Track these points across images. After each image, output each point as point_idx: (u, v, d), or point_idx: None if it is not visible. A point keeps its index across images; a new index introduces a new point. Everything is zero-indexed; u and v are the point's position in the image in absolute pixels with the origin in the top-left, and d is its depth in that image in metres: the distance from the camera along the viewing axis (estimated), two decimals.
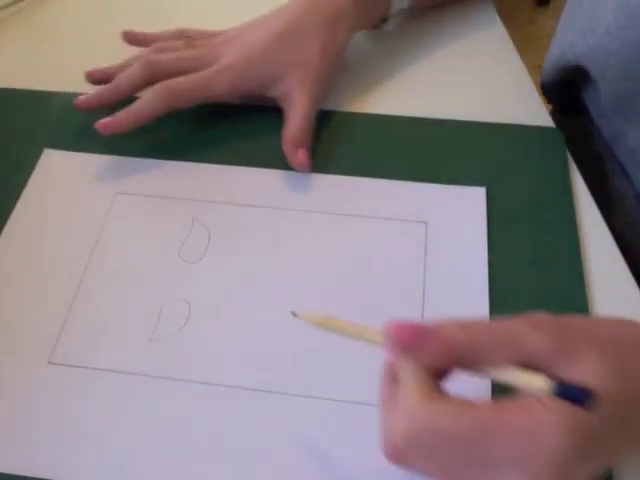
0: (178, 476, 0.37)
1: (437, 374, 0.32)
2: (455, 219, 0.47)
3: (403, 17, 0.58)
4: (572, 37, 0.52)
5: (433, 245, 0.46)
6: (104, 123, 0.50)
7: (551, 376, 0.29)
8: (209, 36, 0.56)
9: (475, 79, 0.56)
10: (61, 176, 0.50)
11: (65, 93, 0.56)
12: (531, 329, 0.31)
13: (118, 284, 0.45)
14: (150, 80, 0.52)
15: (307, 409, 0.39)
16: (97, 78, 0.54)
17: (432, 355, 0.31)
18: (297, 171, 0.50)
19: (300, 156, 0.49)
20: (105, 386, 0.40)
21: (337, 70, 0.55)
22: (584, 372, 0.29)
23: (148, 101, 0.50)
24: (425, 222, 0.47)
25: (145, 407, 0.39)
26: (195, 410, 0.39)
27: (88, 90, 0.55)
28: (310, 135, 0.50)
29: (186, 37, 0.55)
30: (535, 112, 0.54)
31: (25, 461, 0.38)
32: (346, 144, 0.52)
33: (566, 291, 0.43)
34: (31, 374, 0.41)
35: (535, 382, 0.29)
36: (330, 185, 0.49)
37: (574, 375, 0.29)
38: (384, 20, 0.57)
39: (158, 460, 0.38)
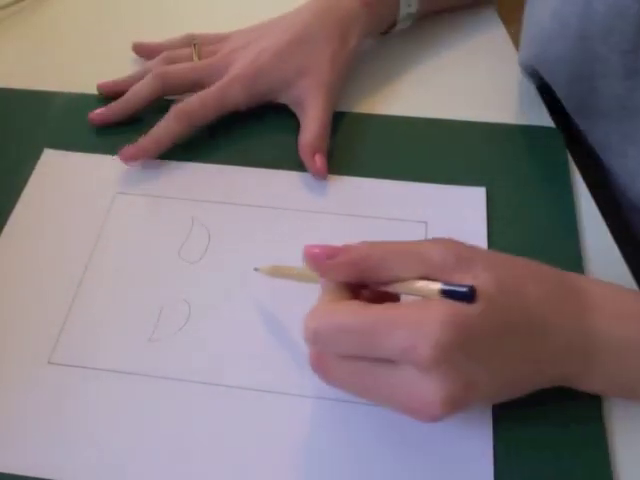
0: (178, 476, 0.37)
1: (355, 289, 0.36)
2: (455, 219, 0.47)
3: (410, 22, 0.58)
4: (524, 45, 0.53)
5: None
6: (132, 152, 0.50)
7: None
8: (218, 41, 0.56)
9: (475, 79, 0.56)
10: (61, 176, 0.50)
11: (65, 93, 0.56)
12: (432, 246, 0.35)
13: (118, 284, 0.45)
14: (161, 92, 0.52)
15: (307, 409, 0.39)
16: (108, 92, 0.55)
17: (344, 270, 0.35)
18: (314, 177, 0.50)
19: (318, 162, 0.49)
20: (105, 386, 0.40)
21: (348, 75, 0.55)
22: (470, 278, 0.33)
23: (168, 128, 0.50)
24: (425, 222, 0.47)
25: (145, 407, 0.40)
26: (195, 410, 0.39)
27: (88, 90, 0.55)
28: (326, 140, 0.50)
29: (194, 44, 0.55)
30: (535, 112, 0.54)
31: (25, 461, 0.38)
32: (346, 145, 0.52)
33: None
34: (31, 374, 0.41)
35: (431, 286, 0.33)
36: (330, 185, 0.49)
37: (463, 281, 0.33)
38: (393, 25, 0.57)
39: (158, 460, 0.38)
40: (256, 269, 0.43)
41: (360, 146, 0.52)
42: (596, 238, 0.46)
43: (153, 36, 0.58)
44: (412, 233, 0.46)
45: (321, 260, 0.36)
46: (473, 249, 0.36)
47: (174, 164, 0.51)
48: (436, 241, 0.36)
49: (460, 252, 0.35)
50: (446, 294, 0.33)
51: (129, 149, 0.50)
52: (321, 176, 0.49)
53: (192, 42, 0.55)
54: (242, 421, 0.39)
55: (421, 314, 0.32)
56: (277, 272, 0.42)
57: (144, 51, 0.58)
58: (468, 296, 0.32)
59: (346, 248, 0.36)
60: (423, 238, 0.46)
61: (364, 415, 0.39)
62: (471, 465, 0.37)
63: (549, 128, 0.52)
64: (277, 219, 0.48)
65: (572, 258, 0.45)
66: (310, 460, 0.38)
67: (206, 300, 0.44)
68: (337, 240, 0.46)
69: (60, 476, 0.37)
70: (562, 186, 0.49)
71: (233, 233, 0.47)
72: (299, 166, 0.50)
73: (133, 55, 0.58)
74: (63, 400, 0.40)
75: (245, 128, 0.53)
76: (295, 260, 0.45)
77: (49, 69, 0.58)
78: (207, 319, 0.43)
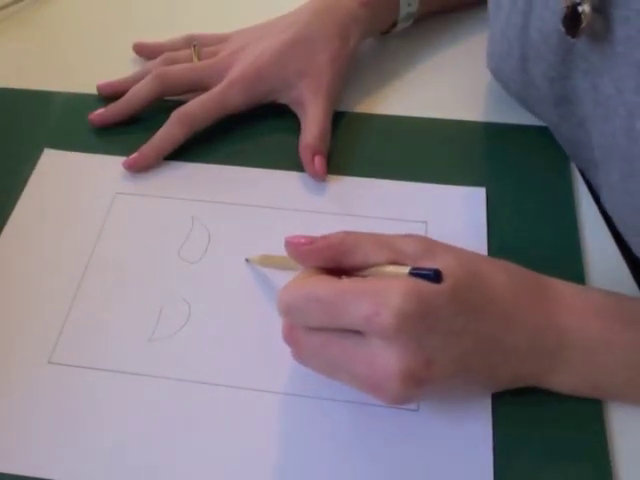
0: (178, 475, 0.37)
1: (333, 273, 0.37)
2: (455, 219, 0.47)
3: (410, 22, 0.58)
4: (488, 57, 0.53)
5: None
6: (134, 159, 0.50)
7: None
8: (218, 41, 0.56)
9: (475, 79, 0.56)
10: (61, 176, 0.50)
11: (65, 93, 0.56)
12: (404, 238, 0.37)
13: (118, 284, 0.45)
14: (161, 93, 0.52)
15: (308, 409, 0.39)
16: (108, 92, 0.55)
17: (320, 255, 0.37)
18: (313, 178, 0.50)
19: (317, 164, 0.49)
20: (105, 386, 0.40)
21: (348, 75, 0.55)
22: (440, 264, 0.35)
23: (169, 133, 0.50)
24: (425, 222, 0.47)
25: (145, 407, 0.39)
26: (195, 410, 0.39)
27: (88, 90, 0.55)
28: (327, 142, 0.51)
29: (194, 45, 0.55)
30: None
31: (25, 461, 0.38)
32: (346, 145, 0.52)
33: None
34: (31, 374, 0.41)
35: (400, 270, 0.35)
36: (330, 185, 0.49)
37: (432, 265, 0.35)
38: (393, 25, 0.57)
39: (158, 459, 0.38)
40: (247, 260, 0.45)
41: (360, 146, 0.52)
42: (596, 238, 0.46)
43: (153, 36, 0.58)
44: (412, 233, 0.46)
45: (299, 246, 0.38)
46: (444, 244, 0.37)
47: (174, 164, 0.51)
48: (408, 235, 0.38)
49: (430, 244, 0.37)
50: (413, 275, 0.34)
51: (132, 158, 0.50)
52: (320, 178, 0.49)
53: (192, 43, 0.55)
54: (242, 421, 0.39)
55: (386, 285, 0.34)
56: (266, 261, 0.44)
57: (144, 51, 0.58)
58: (433, 277, 0.34)
59: (323, 236, 0.37)
60: None
61: (364, 415, 0.39)
62: (470, 465, 0.37)
63: (549, 128, 0.52)
64: (277, 219, 0.48)
65: (572, 258, 0.45)
66: (310, 458, 0.38)
67: (206, 300, 0.44)
68: None
69: (60, 476, 0.37)
70: (562, 186, 0.49)
71: (233, 233, 0.47)
72: (299, 166, 0.50)
73: (133, 55, 0.59)
74: (63, 400, 0.40)
75: (245, 128, 0.53)
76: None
77: (49, 69, 0.58)
78: (207, 319, 0.43)
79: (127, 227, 0.47)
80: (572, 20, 0.38)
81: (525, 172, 0.50)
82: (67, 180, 0.50)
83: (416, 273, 0.34)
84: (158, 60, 0.55)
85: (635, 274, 0.44)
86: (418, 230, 0.46)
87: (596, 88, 0.39)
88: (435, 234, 0.46)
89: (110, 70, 0.56)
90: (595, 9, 0.37)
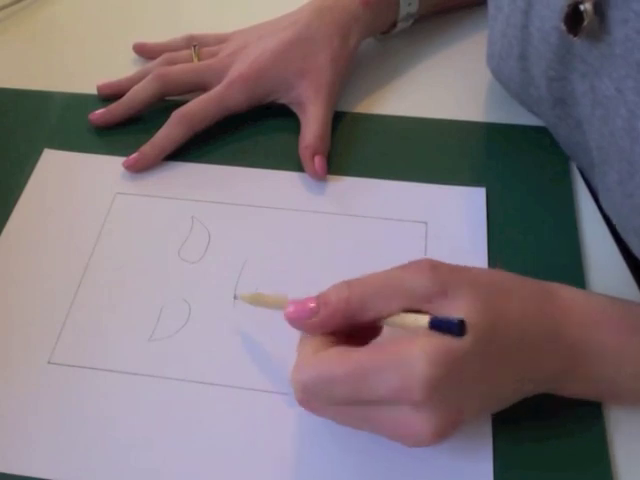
0: (178, 475, 0.37)
1: (342, 332, 0.35)
2: (455, 219, 0.47)
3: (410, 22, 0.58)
4: (488, 58, 0.53)
5: (433, 245, 0.46)
6: (134, 159, 0.50)
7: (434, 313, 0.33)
8: (218, 41, 0.56)
9: (476, 79, 0.55)
10: (61, 176, 0.50)
11: (65, 93, 0.56)
12: (413, 276, 0.34)
13: (118, 284, 0.45)
14: (161, 93, 0.52)
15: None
16: (108, 93, 0.55)
17: (328, 324, 0.35)
18: (312, 178, 0.49)
19: (316, 165, 0.49)
20: (105, 386, 0.40)
21: (348, 75, 0.55)
22: (458, 307, 0.33)
23: (170, 134, 0.50)
24: (425, 222, 0.47)
25: (145, 407, 0.39)
26: (195, 410, 0.39)
27: (88, 90, 0.55)
28: (327, 142, 0.51)
29: (194, 46, 0.55)
30: None
31: (25, 461, 0.38)
32: (346, 145, 0.52)
33: None
34: (31, 374, 0.41)
35: (420, 321, 0.32)
36: (330, 186, 0.49)
37: (450, 311, 0.33)
38: (393, 25, 0.57)
39: (158, 459, 0.38)
40: (236, 297, 0.43)
41: (360, 146, 0.52)
42: (596, 238, 0.46)
43: (153, 36, 0.58)
44: (412, 233, 0.46)
45: (304, 320, 0.35)
46: (452, 271, 0.35)
47: (174, 164, 0.51)
48: (415, 268, 0.35)
49: (441, 278, 0.34)
50: (435, 327, 0.32)
51: (133, 157, 0.50)
52: (319, 178, 0.49)
53: (192, 43, 0.55)
54: (242, 421, 0.39)
55: (408, 352, 0.32)
56: (258, 300, 0.41)
57: (145, 51, 0.58)
58: (458, 331, 0.32)
59: (324, 300, 0.35)
60: (423, 238, 0.46)
61: None
62: (470, 471, 0.37)
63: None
64: (277, 219, 0.48)
65: (572, 257, 0.45)
66: (311, 459, 0.38)
67: (206, 300, 0.44)
68: (337, 240, 0.46)
69: (60, 476, 0.37)
70: (562, 186, 0.49)
71: (233, 233, 0.47)
72: (299, 166, 0.50)
73: (133, 55, 0.59)
74: (63, 400, 0.40)
75: (245, 128, 0.53)
76: (295, 260, 0.45)
77: (49, 69, 0.58)
78: (207, 319, 0.43)
79: (127, 227, 0.47)
80: (574, 18, 0.38)
81: (525, 172, 0.50)
82: (67, 180, 0.50)
83: (438, 324, 0.32)
84: (158, 60, 0.55)
85: (635, 273, 0.44)
86: (418, 230, 0.46)
87: (595, 90, 0.39)
88: (435, 234, 0.46)
89: (110, 70, 0.56)
90: (594, 11, 0.37)
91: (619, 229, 0.42)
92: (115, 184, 0.50)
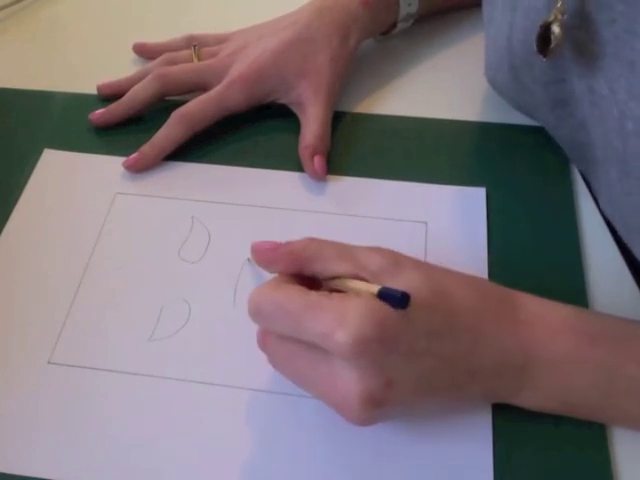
0: (178, 475, 0.37)
1: (301, 279, 0.37)
2: (455, 219, 0.47)
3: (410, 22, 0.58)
4: (485, 67, 0.53)
5: (433, 245, 0.46)
6: (134, 159, 0.50)
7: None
8: (218, 41, 0.56)
9: (476, 79, 0.55)
10: (61, 176, 0.50)
11: (65, 93, 0.56)
12: (370, 252, 0.36)
13: (118, 284, 0.45)
14: (161, 93, 0.53)
15: (308, 410, 0.39)
16: (108, 93, 0.55)
17: (283, 261, 0.37)
18: (312, 178, 0.49)
19: (316, 165, 0.49)
20: (105, 386, 0.40)
21: (348, 75, 0.55)
22: (402, 282, 0.34)
23: (169, 134, 0.50)
24: (425, 222, 0.47)
25: (145, 407, 0.40)
26: (195, 410, 0.39)
27: (88, 90, 0.55)
28: (326, 142, 0.51)
29: (194, 46, 0.55)
30: None
31: (25, 461, 0.38)
32: (346, 144, 0.52)
33: (566, 291, 0.43)
34: (31, 374, 0.41)
35: (370, 287, 0.34)
36: (330, 185, 0.49)
37: (393, 285, 0.34)
38: (393, 26, 0.57)
39: (158, 459, 0.38)
40: (249, 260, 0.45)
41: (360, 146, 0.52)
42: (596, 238, 0.46)
43: (153, 36, 0.58)
44: (412, 233, 0.46)
45: (263, 252, 0.38)
46: (411, 260, 0.37)
47: (174, 164, 0.51)
48: (376, 248, 0.37)
49: (396, 260, 0.36)
50: (381, 296, 0.33)
51: (132, 157, 0.50)
52: (319, 178, 0.49)
53: (192, 43, 0.55)
54: (242, 421, 0.39)
55: (347, 304, 0.33)
56: None
57: (145, 51, 0.58)
58: (400, 301, 0.32)
59: (287, 242, 0.38)
60: (423, 238, 0.46)
61: None
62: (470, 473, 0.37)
63: None
64: (277, 219, 0.48)
65: (572, 257, 0.45)
66: (310, 460, 0.38)
67: (206, 300, 0.44)
68: (337, 240, 0.46)
69: (60, 476, 0.37)
70: (562, 186, 0.49)
71: (233, 233, 0.47)
72: (299, 166, 0.50)
73: (133, 55, 0.59)
74: (63, 400, 0.40)
75: (245, 128, 0.53)
76: None
77: (49, 69, 0.58)
78: (207, 319, 0.43)
79: (127, 227, 0.47)
80: (543, 40, 0.38)
81: (525, 172, 0.50)
82: (67, 180, 0.50)
83: (384, 294, 0.33)
84: (158, 60, 0.55)
85: (635, 273, 0.44)
86: (418, 230, 0.46)
87: (592, 90, 0.39)
88: (435, 234, 0.46)
89: (110, 70, 0.56)
90: (576, 15, 0.37)
91: (619, 229, 0.42)
92: (115, 184, 0.50)
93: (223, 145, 0.52)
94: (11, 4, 0.63)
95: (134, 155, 0.50)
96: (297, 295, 0.35)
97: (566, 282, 0.44)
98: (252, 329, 0.42)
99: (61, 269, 0.45)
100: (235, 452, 0.38)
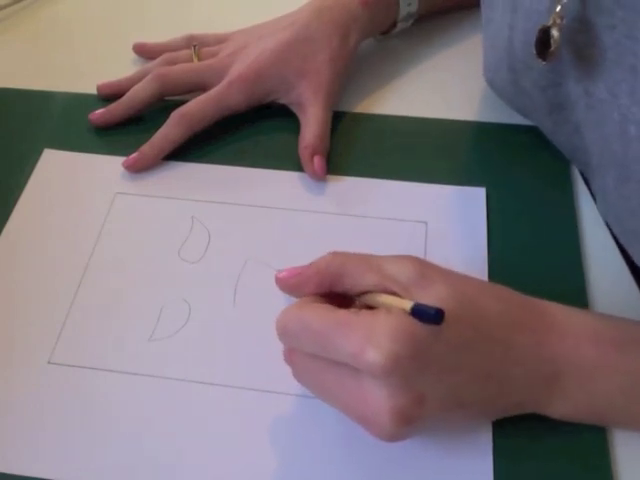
0: (178, 475, 0.37)
1: (330, 297, 0.36)
2: (455, 219, 0.47)
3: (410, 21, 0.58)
4: (484, 68, 0.53)
5: (433, 245, 0.46)
6: (134, 159, 0.50)
7: (409, 298, 0.34)
8: (218, 41, 0.56)
9: (476, 79, 0.55)
10: (61, 176, 0.50)
11: (65, 93, 0.56)
12: (396, 261, 0.36)
13: (118, 284, 0.45)
14: (161, 93, 0.52)
15: (308, 409, 0.39)
16: (108, 93, 0.55)
17: (309, 283, 0.37)
18: (312, 178, 0.49)
19: (316, 165, 0.49)
20: (105, 386, 0.40)
21: (348, 75, 0.55)
22: (432, 295, 0.34)
23: (169, 134, 0.50)
24: (425, 222, 0.47)
25: (145, 407, 0.39)
26: (195, 410, 0.39)
27: (88, 90, 0.55)
28: (326, 142, 0.51)
29: (194, 46, 0.55)
30: None
31: (25, 461, 0.38)
32: (346, 144, 0.52)
33: (566, 291, 0.43)
34: (31, 374, 0.41)
35: (403, 304, 0.33)
36: (330, 185, 0.49)
37: (424, 297, 0.33)
38: (393, 25, 0.57)
39: (158, 459, 0.38)
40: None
41: (360, 146, 0.52)
42: (596, 238, 0.46)
43: (153, 36, 0.58)
44: (412, 233, 0.46)
45: (288, 280, 0.37)
46: (438, 269, 0.36)
47: (174, 164, 0.51)
48: (401, 257, 0.36)
49: (423, 271, 0.35)
50: (415, 313, 0.32)
51: (132, 157, 0.50)
52: (319, 178, 0.49)
53: (192, 43, 0.55)
54: (242, 421, 0.39)
55: (375, 321, 0.32)
56: None
57: (145, 51, 0.58)
58: (434, 319, 0.31)
59: (311, 264, 0.37)
60: (423, 238, 0.46)
61: None
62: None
63: None
64: (277, 219, 0.48)
65: (572, 257, 0.45)
66: (310, 460, 0.38)
67: (206, 300, 0.44)
68: (337, 240, 0.46)
69: (60, 476, 0.37)
70: (562, 186, 0.49)
71: (233, 233, 0.47)
72: (299, 166, 0.50)
73: (133, 55, 0.59)
74: (63, 400, 0.40)
75: (245, 128, 0.53)
76: (295, 260, 0.45)
77: (49, 69, 0.58)
78: (207, 319, 0.43)
79: (127, 227, 0.47)
80: (543, 44, 0.38)
81: (525, 172, 0.50)
82: (67, 180, 0.50)
83: (418, 310, 0.32)
84: (158, 60, 0.55)
85: (635, 273, 0.44)
86: (418, 230, 0.47)
87: (589, 93, 0.39)
88: (435, 234, 0.46)
89: (110, 70, 0.56)
90: (576, 20, 0.37)
91: (616, 232, 0.42)
92: (115, 184, 0.50)
93: (223, 145, 0.52)
94: (11, 4, 0.63)
95: (134, 155, 0.50)
96: (324, 313, 0.34)
97: (566, 282, 0.44)
98: (252, 329, 0.43)
99: (61, 269, 0.45)
100: (235, 452, 0.38)
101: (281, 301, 0.43)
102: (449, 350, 0.33)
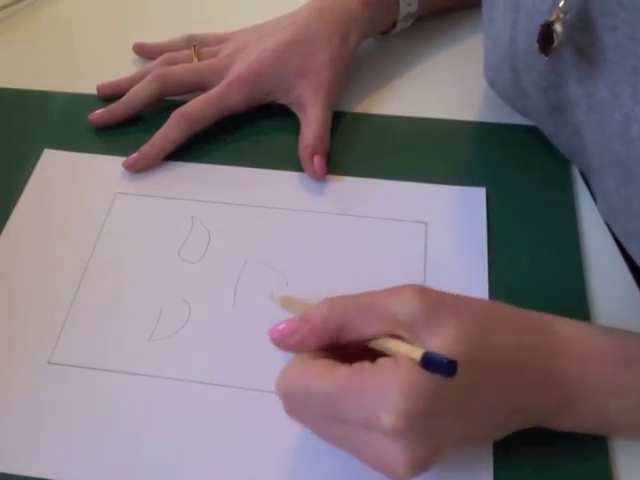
0: (178, 475, 0.37)
1: (328, 348, 0.35)
2: (455, 219, 0.47)
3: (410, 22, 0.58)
4: (484, 68, 0.53)
5: (433, 245, 0.46)
6: (134, 159, 0.50)
7: (417, 343, 0.32)
8: (218, 41, 0.56)
9: (476, 79, 0.55)
10: (61, 176, 0.50)
11: (65, 93, 0.56)
12: (399, 302, 0.33)
13: (118, 284, 0.45)
14: (161, 93, 0.53)
15: None
16: (108, 93, 0.55)
17: (309, 341, 0.34)
18: (312, 178, 0.49)
19: (316, 164, 0.49)
20: (105, 386, 0.40)
21: (348, 75, 0.55)
22: (440, 338, 0.32)
23: (169, 134, 0.50)
24: (425, 222, 0.47)
25: (145, 407, 0.39)
26: (195, 410, 0.39)
27: (88, 90, 0.55)
28: (326, 142, 0.51)
29: (194, 46, 0.55)
30: None
31: (25, 461, 0.38)
32: (346, 144, 0.52)
33: (566, 291, 0.43)
34: (31, 374, 0.41)
35: (413, 353, 0.31)
36: (329, 186, 0.49)
37: (433, 340, 0.32)
38: (393, 25, 0.57)
39: (158, 459, 0.38)
40: (271, 297, 0.42)
41: (360, 146, 0.52)
42: (596, 238, 0.46)
43: (154, 36, 0.58)
44: (412, 233, 0.46)
45: (286, 339, 0.35)
46: (438, 299, 0.34)
47: (174, 164, 0.51)
48: (400, 292, 0.34)
49: (427, 308, 0.33)
50: (425, 363, 0.31)
51: (132, 158, 0.50)
52: (319, 178, 0.49)
53: (192, 43, 0.55)
54: (242, 421, 0.39)
55: (386, 382, 0.31)
56: (286, 304, 0.40)
57: (145, 51, 0.58)
58: (448, 370, 0.30)
59: (306, 317, 0.35)
60: (423, 238, 0.46)
61: None
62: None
63: None
64: (277, 219, 0.48)
65: (572, 258, 0.45)
66: (310, 460, 0.38)
67: (206, 300, 0.44)
68: (337, 240, 0.46)
69: (60, 476, 0.37)
70: (562, 186, 0.49)
71: (233, 233, 0.47)
72: (299, 166, 0.50)
73: (133, 55, 0.59)
74: (63, 400, 0.40)
75: (245, 128, 0.53)
76: (295, 260, 0.45)
77: (49, 69, 0.58)
78: (207, 319, 0.43)
79: (127, 227, 0.47)
80: (546, 39, 0.38)
81: (525, 172, 0.50)
82: (67, 180, 0.50)
83: (429, 360, 0.30)
84: (158, 60, 0.55)
85: (635, 274, 0.44)
86: (418, 230, 0.46)
87: (590, 94, 0.39)
88: (435, 234, 0.46)
89: (110, 70, 0.56)
90: (578, 18, 0.37)
91: (617, 233, 0.42)
92: (115, 184, 0.50)
93: (223, 145, 0.52)
94: (11, 4, 0.63)
95: (134, 155, 0.50)
96: (329, 376, 0.33)
97: (566, 282, 0.44)
98: (252, 329, 0.42)
99: (61, 269, 0.45)
100: (235, 452, 0.38)
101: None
102: (461, 396, 0.33)
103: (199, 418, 0.39)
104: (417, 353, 0.31)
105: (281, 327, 0.35)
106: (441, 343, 0.32)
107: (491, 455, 0.37)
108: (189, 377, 0.41)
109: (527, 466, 0.37)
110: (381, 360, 0.33)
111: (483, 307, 0.36)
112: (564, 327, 0.37)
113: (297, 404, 0.35)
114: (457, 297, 0.35)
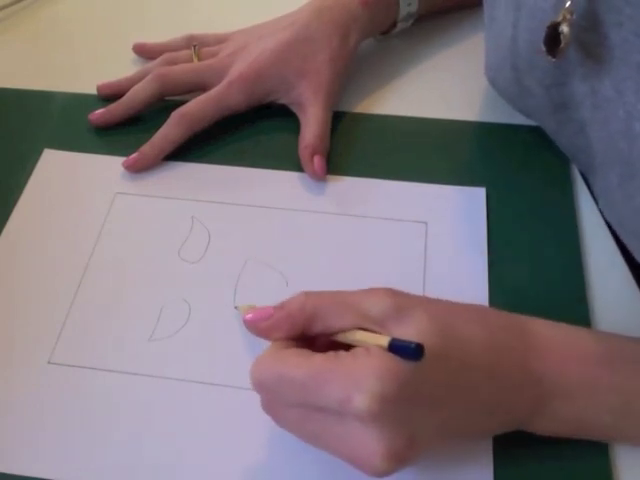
0: (178, 475, 0.37)
1: (302, 338, 0.35)
2: (455, 219, 0.47)
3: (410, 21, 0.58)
4: (485, 68, 0.53)
5: (433, 245, 0.46)
6: (134, 159, 0.50)
7: (385, 334, 0.33)
8: (218, 41, 0.56)
9: (476, 79, 0.55)
10: (61, 176, 0.50)
11: (65, 93, 0.56)
12: (370, 298, 0.34)
13: (118, 284, 0.45)
14: (161, 93, 0.53)
15: None
16: (108, 93, 0.55)
17: (281, 327, 0.35)
18: (312, 178, 0.49)
19: (316, 164, 0.49)
20: (105, 386, 0.40)
21: (348, 75, 0.55)
22: (411, 329, 0.33)
23: (169, 134, 0.50)
24: (425, 222, 0.47)
25: (145, 407, 0.39)
26: (195, 410, 0.39)
27: (88, 90, 0.55)
28: (326, 142, 0.51)
29: (194, 46, 0.55)
30: None
31: (25, 461, 0.38)
32: (346, 144, 0.52)
33: (566, 291, 0.43)
34: (31, 374, 0.41)
35: (379, 340, 0.32)
36: (329, 185, 0.49)
37: (403, 333, 0.32)
38: (393, 25, 0.57)
39: (158, 459, 0.38)
40: (236, 307, 0.43)
41: (360, 146, 0.52)
42: (596, 238, 0.46)
43: (154, 36, 0.58)
44: (412, 233, 0.46)
45: (258, 323, 0.36)
46: (411, 298, 0.35)
47: (174, 164, 0.51)
48: (372, 291, 0.35)
49: (398, 302, 0.34)
50: (393, 349, 0.31)
51: (132, 158, 0.50)
52: (319, 178, 0.49)
53: (192, 43, 0.55)
54: (242, 421, 0.39)
55: (358, 365, 0.32)
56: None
57: (145, 52, 0.58)
58: (414, 353, 0.31)
59: (280, 305, 0.36)
60: (423, 238, 0.46)
61: None
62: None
63: None
64: (277, 219, 0.48)
65: (572, 257, 0.45)
66: (310, 461, 0.37)
67: (206, 300, 0.44)
68: (337, 240, 0.46)
69: (60, 476, 0.37)
70: (562, 186, 0.49)
71: (233, 233, 0.47)
72: (299, 166, 0.50)
73: (133, 56, 0.59)
74: (63, 400, 0.40)
75: (245, 128, 0.53)
76: (295, 260, 0.45)
77: (49, 69, 0.58)
78: (207, 319, 0.43)
79: (127, 227, 0.47)
80: (552, 40, 0.38)
81: (525, 172, 0.50)
82: (67, 180, 0.50)
83: (396, 346, 0.31)
84: (158, 60, 0.55)
85: (635, 273, 0.44)
86: (418, 230, 0.46)
87: (595, 92, 0.39)
88: (435, 234, 0.46)
89: (110, 70, 0.56)
90: (584, 17, 0.37)
91: (619, 232, 0.42)
92: (115, 184, 0.50)
93: (223, 145, 0.52)
94: (11, 4, 0.63)
95: (134, 155, 0.50)
96: (301, 362, 0.33)
97: (566, 282, 0.44)
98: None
99: (61, 269, 0.45)
100: (235, 452, 0.38)
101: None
102: (435, 385, 0.33)
103: (199, 418, 0.39)
104: (384, 340, 0.32)
105: (255, 314, 0.36)
106: (411, 333, 0.32)
107: (491, 455, 0.37)
108: (189, 377, 0.41)
109: (527, 466, 0.37)
110: (355, 349, 0.33)
111: (455, 305, 0.37)
112: (541, 328, 0.37)
113: (271, 395, 0.34)
114: (429, 298, 0.36)
